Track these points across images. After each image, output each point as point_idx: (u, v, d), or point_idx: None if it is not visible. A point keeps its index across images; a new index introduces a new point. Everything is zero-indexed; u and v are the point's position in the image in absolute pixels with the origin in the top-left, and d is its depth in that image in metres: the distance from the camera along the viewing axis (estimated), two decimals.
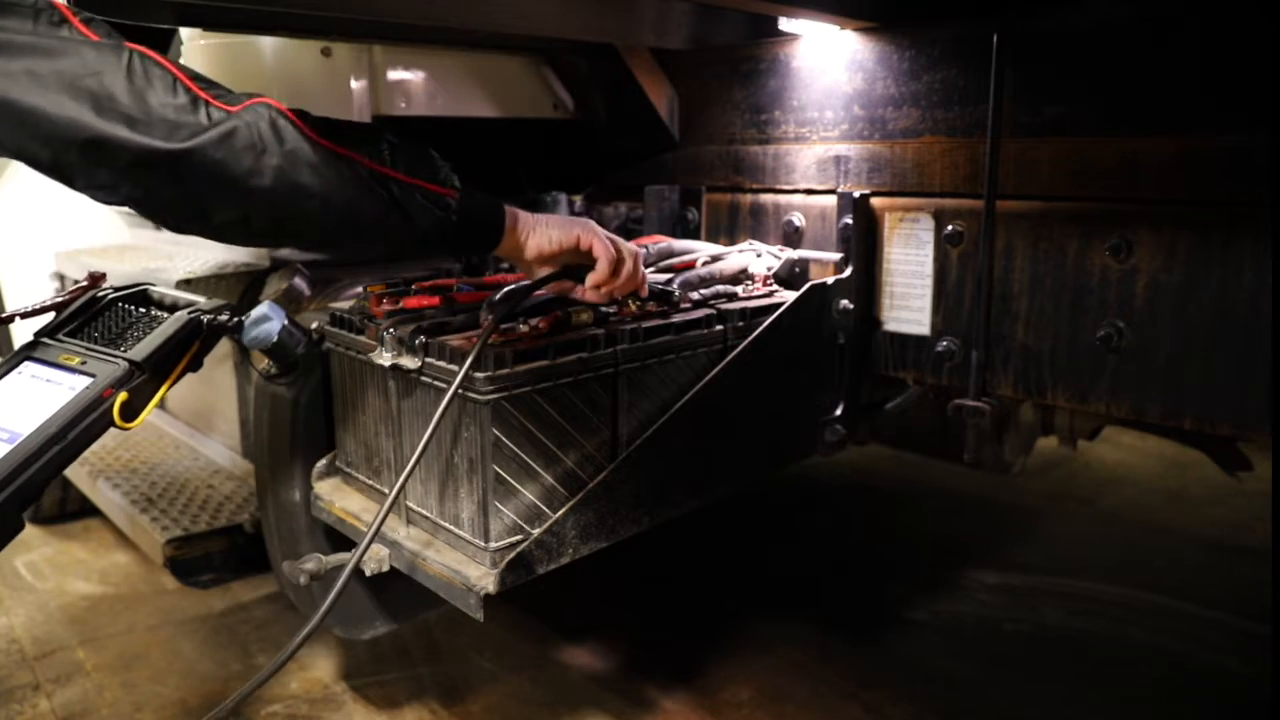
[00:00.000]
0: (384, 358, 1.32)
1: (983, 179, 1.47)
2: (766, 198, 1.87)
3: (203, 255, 2.16)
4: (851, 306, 1.64)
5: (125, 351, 1.20)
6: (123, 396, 1.16)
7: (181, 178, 1.04)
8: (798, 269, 1.76)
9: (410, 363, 1.29)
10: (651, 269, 1.62)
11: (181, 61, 1.89)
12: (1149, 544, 2.63)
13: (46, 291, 2.69)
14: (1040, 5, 1.42)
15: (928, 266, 1.60)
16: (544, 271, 1.35)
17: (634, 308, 1.45)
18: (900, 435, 2.20)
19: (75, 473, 2.42)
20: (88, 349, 1.22)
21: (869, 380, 1.73)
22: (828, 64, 1.74)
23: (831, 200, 1.73)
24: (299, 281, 1.84)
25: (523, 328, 1.28)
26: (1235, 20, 1.24)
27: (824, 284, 1.62)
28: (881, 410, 1.85)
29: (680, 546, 2.54)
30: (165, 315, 1.28)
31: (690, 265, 1.68)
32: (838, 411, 1.70)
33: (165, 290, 1.36)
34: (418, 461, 1.21)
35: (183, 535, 1.99)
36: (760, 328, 1.51)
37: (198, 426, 2.55)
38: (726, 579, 2.44)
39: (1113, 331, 1.38)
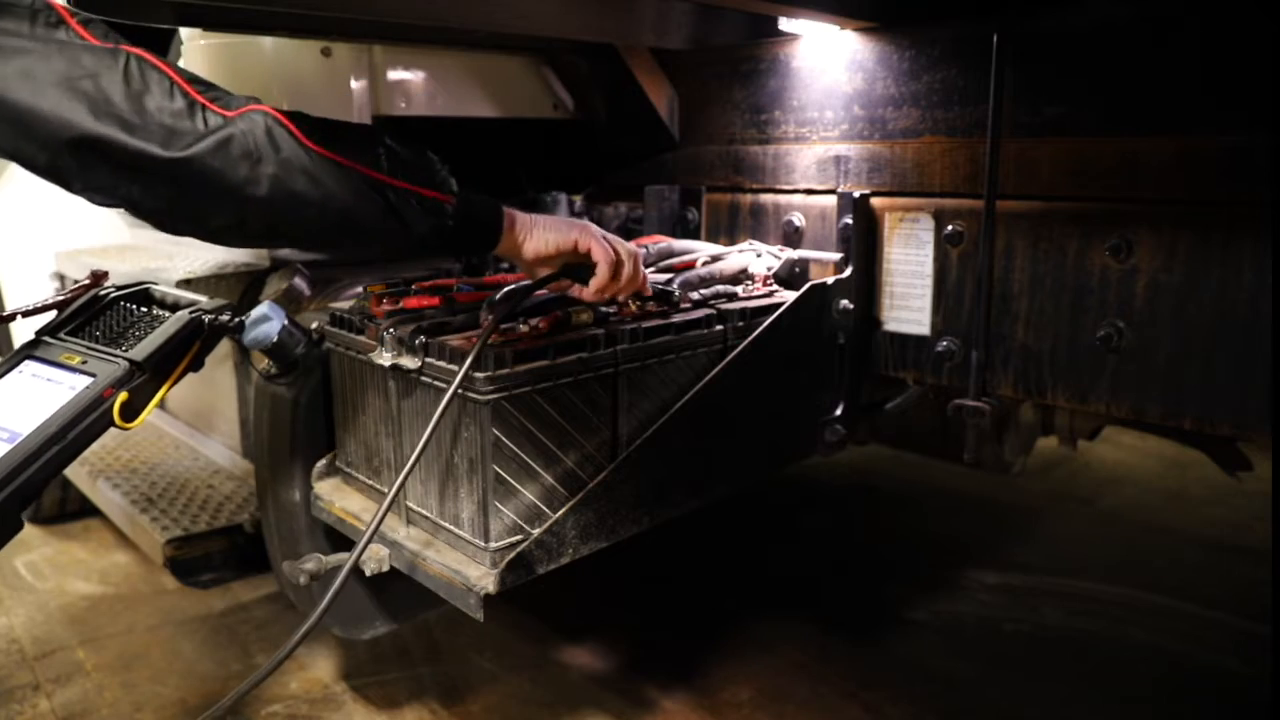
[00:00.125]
0: (384, 358, 1.32)
1: (983, 179, 1.47)
2: (766, 198, 1.87)
3: (203, 255, 2.16)
4: (851, 306, 1.64)
5: (126, 351, 1.20)
6: (123, 396, 1.16)
7: (178, 184, 1.04)
8: (798, 269, 1.76)
9: (410, 363, 1.29)
10: (651, 269, 1.62)
11: (181, 62, 1.89)
12: (1149, 544, 2.63)
13: (46, 291, 2.68)
14: (1040, 5, 1.42)
15: (928, 266, 1.60)
16: (543, 272, 1.35)
17: (634, 308, 1.45)
18: (900, 435, 2.20)
19: (75, 473, 2.42)
20: (89, 348, 1.22)
21: (869, 380, 1.73)
22: (828, 64, 1.74)
23: (831, 200, 1.73)
24: (299, 281, 1.84)
25: (523, 328, 1.28)
26: (1235, 20, 1.24)
27: (824, 284, 1.62)
28: (881, 410, 1.85)
29: (680, 546, 2.54)
30: (167, 314, 1.28)
31: (690, 265, 1.68)
32: (838, 411, 1.70)
33: (167, 289, 1.36)
34: (417, 461, 1.21)
35: (183, 535, 1.99)
36: (760, 328, 1.51)
37: (198, 426, 2.55)
38: (726, 579, 2.44)
39: (1113, 331, 1.38)
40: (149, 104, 1.02)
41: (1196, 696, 1.91)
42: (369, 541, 1.20)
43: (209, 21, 1.86)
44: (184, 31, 2.06)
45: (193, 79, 1.08)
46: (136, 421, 1.18)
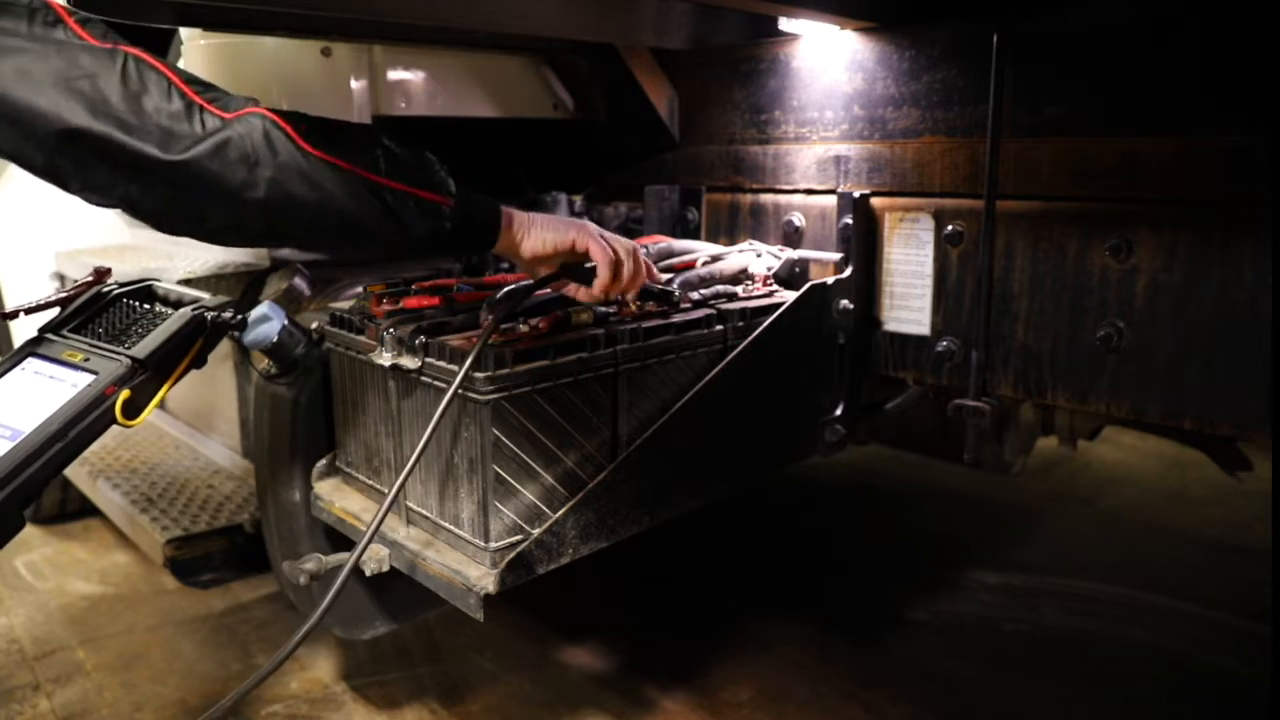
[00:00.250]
0: (384, 358, 1.32)
1: (983, 179, 1.47)
2: (766, 198, 1.87)
3: (202, 255, 2.16)
4: (851, 306, 1.64)
5: (129, 348, 1.20)
6: (125, 394, 1.16)
7: (176, 186, 1.04)
8: (798, 269, 1.76)
9: (410, 363, 1.29)
10: None
11: (181, 62, 1.89)
12: (1149, 544, 2.63)
13: (47, 291, 2.68)
14: (1040, 5, 1.42)
15: (928, 266, 1.60)
16: (541, 271, 1.35)
17: (634, 308, 1.45)
18: (900, 435, 2.20)
19: (75, 472, 2.42)
20: (91, 345, 1.22)
21: (869, 380, 1.73)
22: (828, 64, 1.74)
23: (831, 200, 1.73)
24: (299, 281, 1.85)
25: (523, 328, 1.28)
26: (1235, 20, 1.24)
27: (824, 284, 1.62)
28: (881, 410, 1.85)
29: (680, 546, 2.54)
30: (169, 311, 1.28)
31: (690, 265, 1.68)
32: (838, 411, 1.70)
33: (170, 286, 1.36)
34: (417, 461, 1.21)
35: (183, 535, 1.99)
36: (760, 328, 1.51)
37: (198, 426, 2.55)
38: (726, 579, 2.44)
39: (1113, 331, 1.38)
40: (147, 105, 1.02)
41: (1196, 696, 1.91)
42: (369, 541, 1.20)
43: (209, 21, 1.86)
44: (184, 31, 2.06)
45: (191, 80, 1.08)
46: (139, 419, 1.18)
